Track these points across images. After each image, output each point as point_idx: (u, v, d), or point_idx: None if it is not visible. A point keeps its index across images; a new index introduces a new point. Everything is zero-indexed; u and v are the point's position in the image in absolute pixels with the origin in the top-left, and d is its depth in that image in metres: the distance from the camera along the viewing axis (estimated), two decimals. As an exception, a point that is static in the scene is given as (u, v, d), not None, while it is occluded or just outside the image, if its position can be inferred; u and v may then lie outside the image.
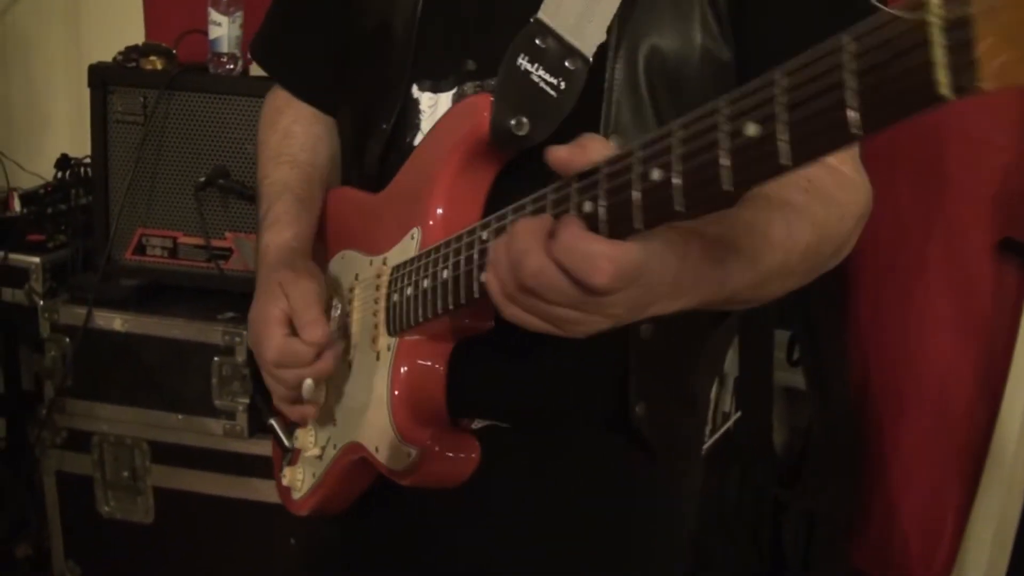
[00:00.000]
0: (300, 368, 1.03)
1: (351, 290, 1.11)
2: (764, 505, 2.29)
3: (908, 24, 0.49)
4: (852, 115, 0.52)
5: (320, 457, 1.13)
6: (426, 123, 1.05)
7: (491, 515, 1.08)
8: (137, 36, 2.59)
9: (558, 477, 1.07)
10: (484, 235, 0.84)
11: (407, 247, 1.00)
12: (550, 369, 1.00)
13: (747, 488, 2.28)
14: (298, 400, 1.07)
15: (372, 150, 1.10)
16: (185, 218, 2.23)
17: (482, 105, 0.92)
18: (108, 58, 2.28)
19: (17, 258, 2.38)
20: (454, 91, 1.03)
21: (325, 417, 1.12)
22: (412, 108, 1.06)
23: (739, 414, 2.28)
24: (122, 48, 2.27)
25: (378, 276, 1.04)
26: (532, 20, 0.93)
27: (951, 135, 2.16)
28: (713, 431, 2.14)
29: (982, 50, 0.46)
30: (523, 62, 0.92)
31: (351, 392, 1.08)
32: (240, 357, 2.14)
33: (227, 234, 2.21)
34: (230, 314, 2.19)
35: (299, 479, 1.17)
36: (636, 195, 0.67)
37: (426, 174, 0.98)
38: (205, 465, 2.23)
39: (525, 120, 0.90)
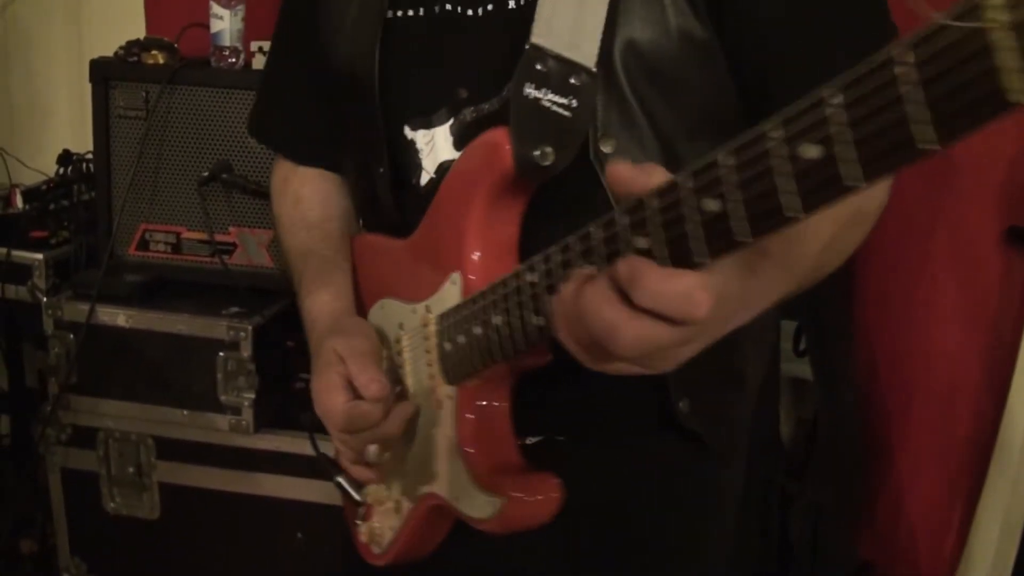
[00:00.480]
0: (371, 429, 1.02)
1: (398, 341, 1.09)
2: (771, 496, 2.28)
3: (969, 30, 0.46)
4: (922, 129, 0.50)
5: (396, 511, 1.12)
6: (427, 161, 1.04)
7: (548, 525, 1.06)
8: (138, 30, 2.58)
9: (614, 482, 1.07)
10: (530, 278, 0.81)
11: (450, 293, 0.98)
12: (596, 378, 1.00)
13: (754, 479, 2.27)
14: (366, 463, 1.07)
15: (382, 195, 1.10)
16: (188, 213, 2.22)
17: (501, 139, 0.90)
18: (109, 53, 2.27)
19: (20, 255, 2.38)
20: (450, 122, 1.02)
21: (395, 470, 1.10)
22: (408, 149, 1.06)
23: (745, 406, 2.28)
24: (123, 43, 2.26)
25: (424, 325, 1.03)
26: (528, 47, 0.91)
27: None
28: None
29: None
30: (530, 90, 0.89)
31: (419, 443, 1.07)
32: (245, 352, 2.13)
33: (231, 229, 2.20)
34: (235, 309, 2.19)
35: (378, 534, 1.16)
36: (692, 228, 0.64)
37: (455, 216, 0.96)
38: (211, 461, 2.23)
39: (549, 149, 0.88)
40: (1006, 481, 2.25)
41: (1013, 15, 0.45)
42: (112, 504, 2.41)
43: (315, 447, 1.24)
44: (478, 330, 0.90)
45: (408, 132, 1.05)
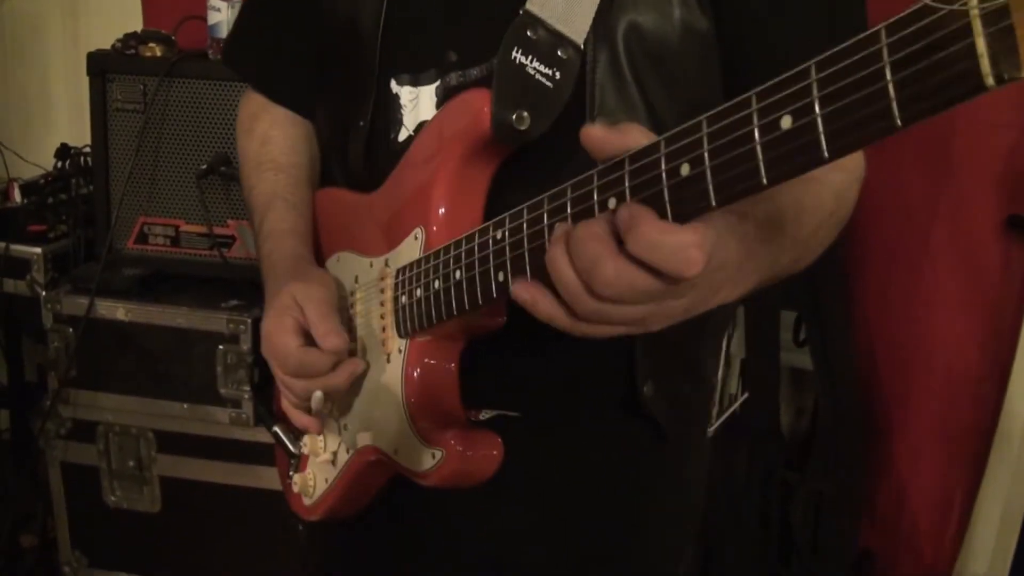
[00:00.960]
0: (318, 378, 1.03)
1: (352, 293, 1.10)
2: (772, 486, 2.28)
3: (943, 15, 0.49)
4: (892, 106, 0.52)
5: (332, 462, 1.12)
6: (408, 118, 1.04)
7: (503, 503, 1.08)
8: (135, 23, 2.58)
9: (569, 463, 1.08)
10: (499, 234, 0.82)
11: (411, 248, 0.98)
12: (557, 356, 1.00)
13: (755, 470, 2.28)
14: (308, 408, 1.07)
15: (354, 149, 1.10)
16: (187, 206, 2.22)
17: (481, 100, 0.91)
18: (107, 46, 2.26)
19: (18, 249, 2.37)
20: (436, 84, 1.02)
21: (335, 422, 1.11)
22: (391, 103, 1.06)
23: (746, 396, 2.28)
24: (121, 35, 2.25)
25: (381, 278, 1.03)
26: (521, 12, 0.92)
27: (956, 114, 2.15)
28: (720, 413, 2.14)
29: (1021, 37, 0.46)
30: (517, 55, 0.91)
31: (362, 396, 1.07)
32: (245, 345, 2.13)
33: (229, 222, 2.20)
34: (234, 302, 2.18)
35: (310, 485, 1.16)
36: (665, 190, 0.66)
37: (425, 172, 0.97)
38: (211, 454, 2.23)
39: (526, 114, 0.89)
40: (1006, 469, 2.26)
41: (985, 3, 0.47)
42: (112, 498, 2.41)
43: (259, 400, 1.24)
44: (437, 284, 0.91)
45: (394, 86, 1.05)
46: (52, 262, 2.37)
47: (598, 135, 0.71)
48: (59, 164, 2.54)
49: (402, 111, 1.05)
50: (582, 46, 0.92)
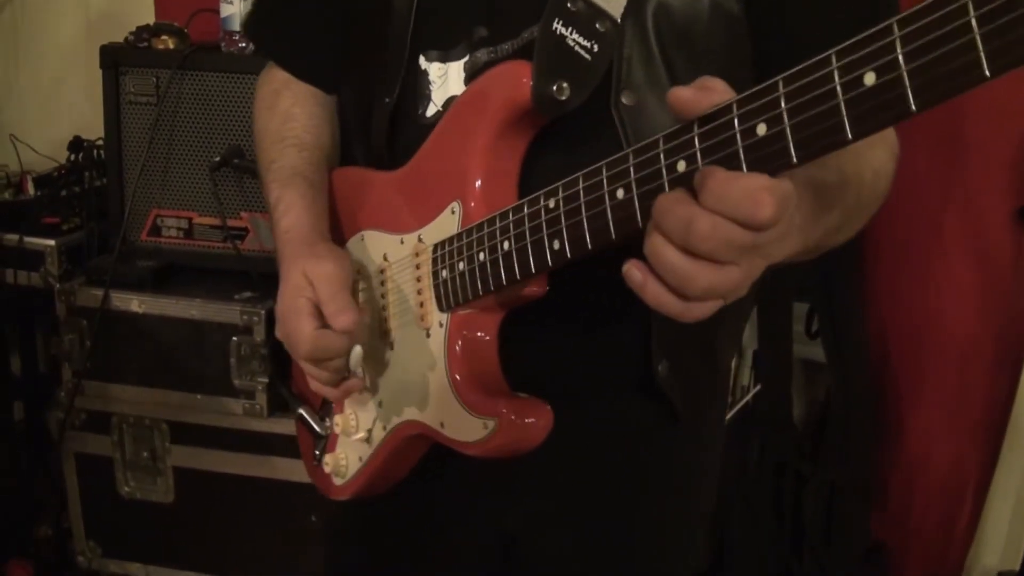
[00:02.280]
0: (336, 359, 1.03)
1: (382, 271, 1.09)
2: (784, 477, 2.29)
3: (953, 9, 0.53)
4: (981, 58, 0.54)
5: (367, 440, 1.11)
6: (437, 94, 1.04)
7: (520, 482, 1.10)
8: (148, 16, 2.58)
9: (587, 441, 1.09)
10: (551, 203, 0.83)
11: (448, 222, 0.98)
12: (577, 335, 1.02)
13: (767, 460, 2.28)
14: (339, 382, 1.06)
15: (377, 126, 1.09)
16: (200, 198, 2.22)
17: (522, 71, 0.91)
18: (119, 39, 2.27)
19: (32, 241, 2.38)
20: (466, 59, 1.02)
21: (366, 399, 1.10)
22: (420, 79, 1.06)
23: (758, 387, 2.28)
24: (133, 28, 2.25)
25: (416, 254, 1.03)
26: None
27: (969, 102, 2.14)
28: (732, 404, 2.14)
29: None
30: (558, 27, 0.91)
31: (400, 371, 1.07)
32: (259, 336, 2.14)
33: (242, 214, 2.21)
34: (247, 294, 2.19)
35: (343, 464, 1.15)
36: (740, 150, 0.67)
37: (460, 145, 0.97)
38: (225, 445, 2.24)
39: (566, 84, 0.90)
40: (1019, 460, 2.25)
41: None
42: (126, 488, 2.42)
43: (281, 383, 1.24)
44: (483, 256, 0.92)
45: (423, 62, 1.05)
46: (66, 254, 2.39)
47: (687, 96, 0.71)
48: (72, 157, 2.55)
49: (431, 87, 1.05)
50: (619, 20, 0.93)
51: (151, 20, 2.37)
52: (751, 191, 0.66)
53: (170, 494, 2.40)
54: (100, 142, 2.47)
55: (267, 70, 1.28)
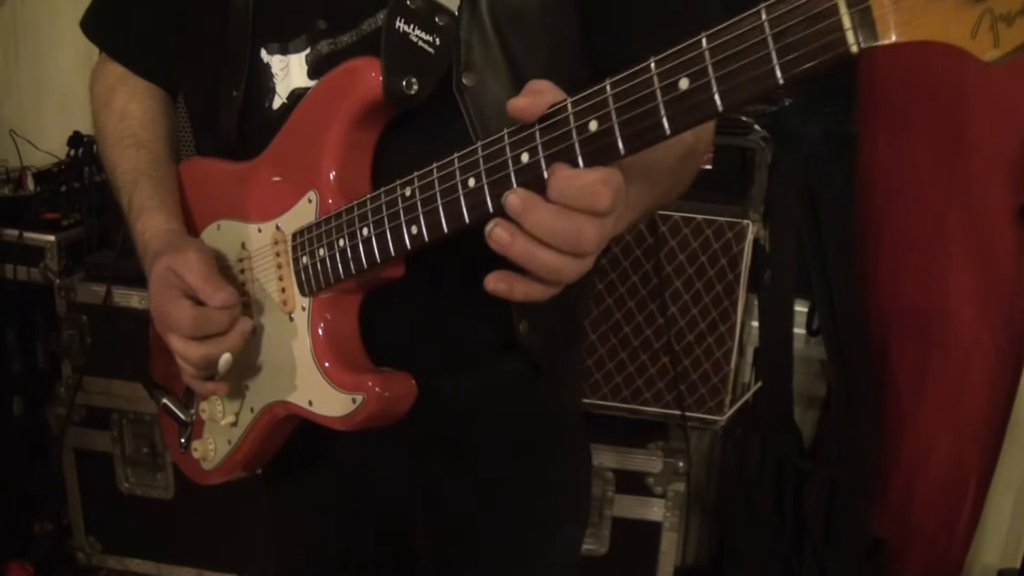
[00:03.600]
0: (218, 338, 1.04)
1: (240, 260, 1.12)
2: (785, 474, 2.29)
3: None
4: (775, 69, 0.66)
5: (235, 424, 1.14)
6: (280, 86, 1.07)
7: (405, 458, 1.16)
8: (147, 11, 2.57)
9: (461, 409, 1.15)
10: (407, 192, 0.90)
11: (305, 210, 1.02)
12: (440, 309, 1.08)
13: (768, 458, 2.28)
14: (208, 377, 1.08)
15: (226, 119, 1.11)
16: (200, 194, 2.22)
17: (372, 68, 0.96)
18: (120, 34, 2.26)
19: (32, 236, 2.38)
20: (307, 51, 1.05)
21: (234, 384, 1.13)
22: (263, 72, 1.08)
23: (759, 384, 2.28)
24: (134, 23, 2.25)
25: (275, 242, 1.06)
26: None
27: (971, 102, 2.14)
28: (733, 402, 2.13)
29: (877, 14, 0.61)
30: (400, 24, 0.96)
31: (264, 355, 1.10)
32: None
33: (243, 209, 2.20)
34: (247, 290, 2.19)
35: (211, 449, 1.18)
36: (576, 144, 0.77)
37: (314, 137, 1.01)
38: (225, 441, 2.24)
39: (414, 80, 0.96)
40: (1020, 458, 2.26)
41: None
42: (126, 484, 2.42)
43: (141, 371, 1.26)
44: (343, 242, 0.97)
45: (264, 56, 1.08)
46: (65, 250, 2.39)
47: (523, 104, 0.79)
48: (72, 152, 2.55)
49: (274, 80, 1.07)
50: (456, 12, 0.99)
51: (151, 15, 2.36)
52: (590, 184, 0.76)
53: (170, 490, 2.40)
54: (100, 137, 2.47)
55: (100, 64, 1.28)
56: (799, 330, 2.38)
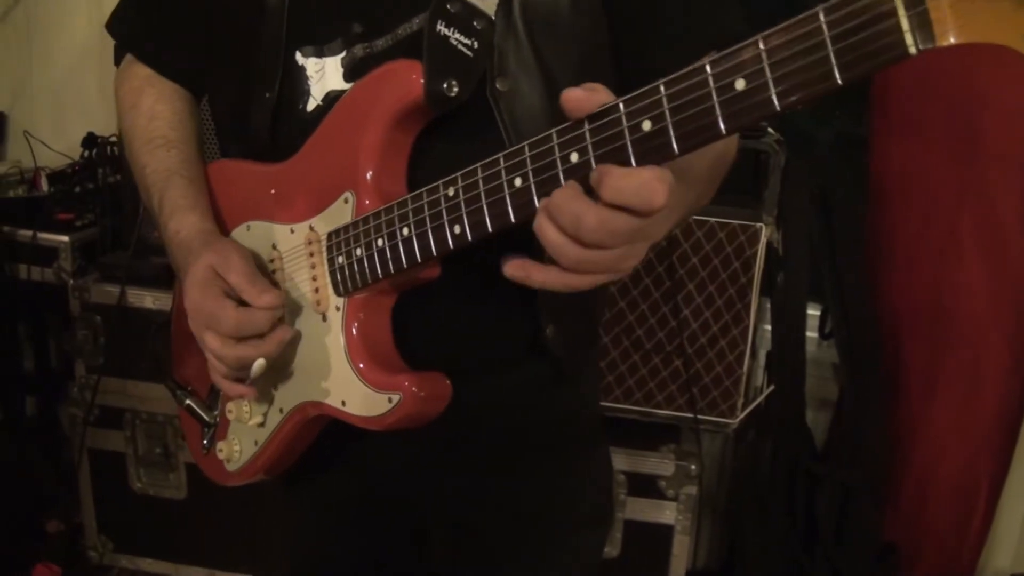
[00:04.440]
0: (256, 340, 1.05)
1: (271, 261, 1.12)
2: (797, 478, 2.28)
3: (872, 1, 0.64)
4: (834, 70, 0.67)
5: (262, 424, 1.14)
6: (315, 88, 1.08)
7: (432, 459, 1.16)
8: (161, 12, 2.58)
9: (488, 410, 1.15)
10: (451, 191, 0.91)
11: (341, 211, 1.03)
12: (471, 311, 1.09)
13: (780, 461, 2.28)
14: (239, 379, 1.08)
15: (258, 120, 1.11)
16: (214, 195, 2.22)
17: (413, 70, 0.97)
18: (134, 35, 2.26)
19: (46, 237, 2.39)
20: (343, 54, 1.06)
21: (263, 385, 1.13)
22: (297, 74, 1.08)
23: (771, 388, 2.27)
24: (148, 25, 2.25)
25: (309, 242, 1.07)
26: None
27: (983, 105, 2.14)
28: (745, 405, 2.13)
29: (935, 16, 0.62)
30: (441, 28, 0.98)
31: (296, 355, 1.10)
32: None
33: (256, 211, 2.21)
34: (261, 291, 2.19)
35: (236, 451, 1.17)
36: (628, 144, 0.78)
37: (351, 138, 1.02)
38: (237, 441, 2.24)
39: (454, 82, 0.97)
40: (1032, 462, 2.25)
41: None
42: (139, 484, 2.43)
43: (164, 372, 1.26)
44: (381, 242, 0.98)
45: (299, 58, 1.09)
46: (79, 250, 2.40)
47: (577, 95, 0.80)
48: (86, 153, 2.56)
49: (309, 82, 1.08)
50: (493, 17, 1.00)
51: (166, 17, 2.37)
52: (647, 181, 0.77)
53: (183, 490, 2.41)
54: (114, 139, 2.48)
55: (125, 66, 1.28)
56: (811, 333, 2.37)
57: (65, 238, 2.38)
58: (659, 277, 2.06)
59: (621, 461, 2.20)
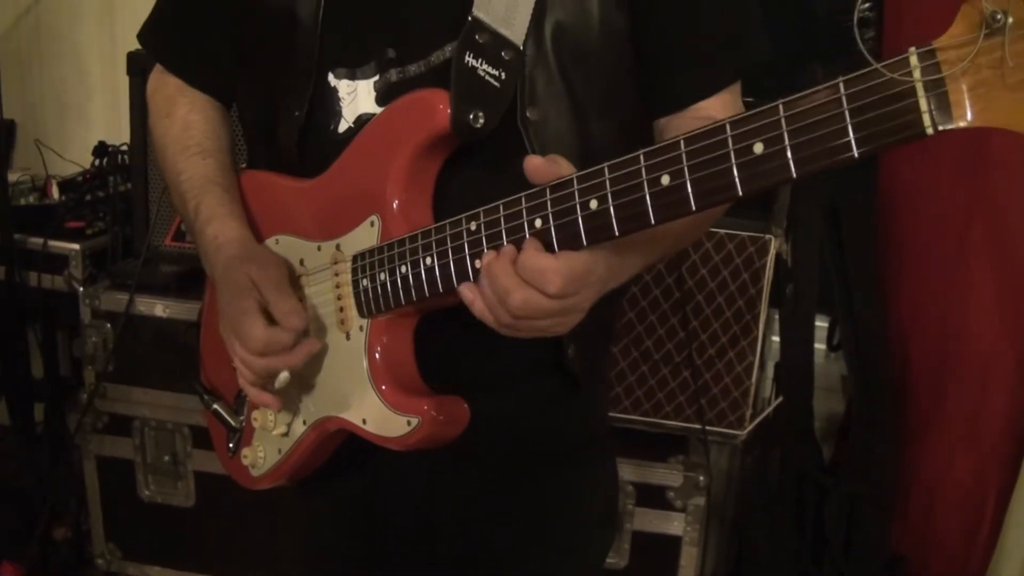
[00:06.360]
0: (278, 357, 1.07)
1: (299, 276, 1.14)
2: (805, 489, 2.28)
3: (894, 78, 0.65)
4: (851, 142, 0.67)
5: (286, 434, 1.17)
6: (347, 110, 1.09)
7: (449, 474, 1.18)
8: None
9: (508, 427, 1.17)
10: (472, 226, 0.93)
11: (367, 234, 1.05)
12: (494, 333, 1.09)
13: (788, 472, 2.28)
14: (266, 387, 1.11)
15: (286, 136, 1.13)
16: (224, 204, 2.23)
17: (441, 100, 0.98)
18: (145, 45, 2.27)
19: (57, 245, 2.41)
20: (376, 78, 1.07)
21: (290, 396, 1.15)
22: (329, 95, 1.10)
23: (780, 399, 2.27)
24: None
25: (335, 262, 1.08)
26: (470, 18, 1.00)
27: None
28: (754, 416, 2.14)
29: (953, 99, 0.63)
30: (469, 59, 0.99)
31: (318, 370, 1.12)
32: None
33: (266, 220, 2.21)
34: (271, 300, 2.20)
35: (260, 457, 1.20)
36: (647, 196, 0.81)
37: (378, 162, 1.03)
38: (246, 450, 2.24)
39: (480, 114, 0.98)
40: (1041, 474, 2.25)
41: (925, 75, 0.64)
42: (147, 492, 2.43)
43: (192, 376, 1.30)
44: (404, 269, 0.99)
45: (332, 79, 1.10)
46: (90, 258, 2.41)
47: (538, 163, 0.87)
48: (97, 162, 2.57)
49: (340, 104, 1.09)
50: (522, 47, 1.01)
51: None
52: (542, 270, 0.85)
53: (191, 498, 2.41)
54: (125, 147, 2.49)
55: (156, 75, 1.29)
56: (820, 345, 2.37)
57: (76, 246, 2.39)
58: (668, 288, 2.06)
59: (629, 472, 2.20)
